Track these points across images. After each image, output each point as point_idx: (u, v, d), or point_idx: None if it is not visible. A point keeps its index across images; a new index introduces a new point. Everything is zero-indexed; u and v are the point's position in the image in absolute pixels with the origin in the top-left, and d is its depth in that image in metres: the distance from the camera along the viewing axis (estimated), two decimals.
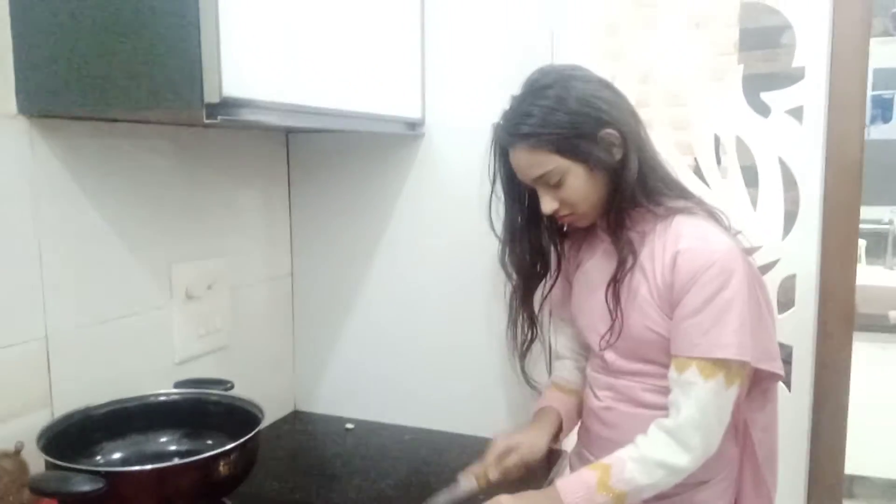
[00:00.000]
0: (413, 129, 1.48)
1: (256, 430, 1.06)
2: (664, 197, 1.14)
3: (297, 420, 1.67)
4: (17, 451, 1.08)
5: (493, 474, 1.19)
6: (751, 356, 1.06)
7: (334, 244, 1.63)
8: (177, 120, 1.28)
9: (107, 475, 0.91)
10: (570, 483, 1.08)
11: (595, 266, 1.23)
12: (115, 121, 1.21)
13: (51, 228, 1.13)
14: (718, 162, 1.64)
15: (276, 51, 1.07)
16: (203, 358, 1.42)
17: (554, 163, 1.10)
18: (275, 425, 1.60)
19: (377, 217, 1.58)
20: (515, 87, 1.40)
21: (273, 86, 1.07)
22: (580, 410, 1.32)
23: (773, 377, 1.16)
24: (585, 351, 1.34)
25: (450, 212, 1.50)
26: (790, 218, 1.56)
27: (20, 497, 1.08)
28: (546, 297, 1.34)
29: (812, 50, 1.48)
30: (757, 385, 1.18)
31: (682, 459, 1.06)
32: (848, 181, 1.53)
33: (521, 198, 1.23)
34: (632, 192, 1.11)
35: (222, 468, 1.00)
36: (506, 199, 1.24)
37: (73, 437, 1.07)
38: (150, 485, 0.96)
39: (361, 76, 1.29)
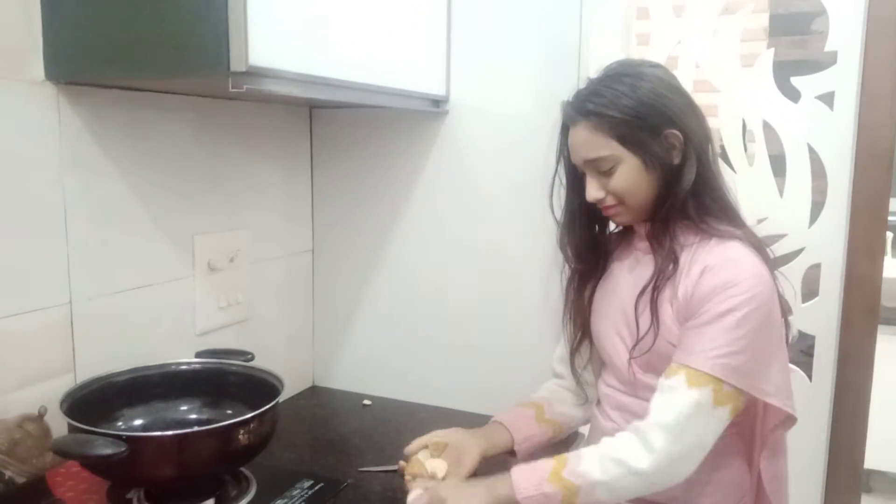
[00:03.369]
0: (437, 106, 1.48)
1: (276, 400, 1.06)
2: (713, 217, 1.09)
3: (314, 395, 1.68)
4: (41, 415, 1.10)
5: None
6: (742, 383, 1.01)
7: (355, 221, 1.63)
8: (202, 90, 1.28)
9: (128, 440, 0.92)
10: (524, 472, 1.03)
11: (623, 273, 1.19)
12: (141, 90, 1.21)
13: (76, 196, 1.14)
14: (745, 148, 1.61)
15: (303, 22, 1.07)
16: (223, 330, 1.43)
17: (611, 149, 1.07)
18: (292, 399, 1.61)
19: (398, 194, 1.57)
20: (541, 69, 1.41)
21: (298, 57, 1.06)
22: (547, 442, 1.24)
23: (787, 421, 1.11)
24: (591, 367, 1.28)
25: (471, 191, 1.50)
26: (817, 207, 1.53)
27: (43, 460, 1.10)
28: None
29: (845, 35, 1.45)
30: (771, 431, 1.12)
31: (643, 461, 0.99)
32: (878, 171, 1.50)
33: (581, 181, 1.17)
34: (683, 201, 1.08)
35: (241, 437, 1.01)
36: (567, 181, 1.20)
37: (95, 402, 1.09)
38: (170, 450, 0.97)
39: (387, 51, 1.28)
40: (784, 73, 1.54)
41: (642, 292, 1.10)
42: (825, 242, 1.51)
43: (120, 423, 1.13)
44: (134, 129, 1.22)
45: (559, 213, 1.22)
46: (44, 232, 1.10)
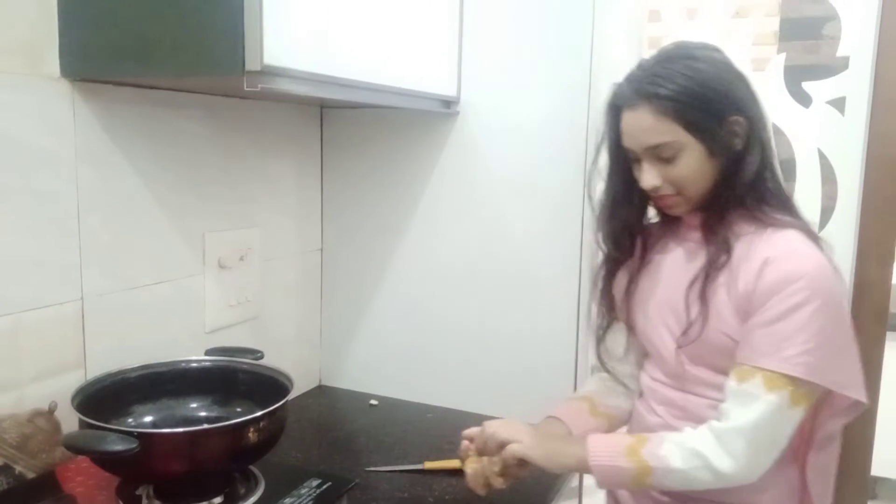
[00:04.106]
0: (448, 107, 1.48)
1: (286, 398, 1.06)
2: (769, 206, 1.06)
3: (322, 394, 1.68)
4: (51, 411, 1.11)
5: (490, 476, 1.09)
6: (822, 379, 0.98)
7: (364, 221, 1.63)
8: (216, 88, 1.29)
9: (139, 436, 0.92)
10: (601, 440, 1.03)
11: (669, 263, 1.15)
12: (156, 88, 1.22)
13: (90, 192, 1.14)
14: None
15: (317, 22, 1.07)
16: (233, 328, 1.44)
17: (675, 135, 1.02)
18: (300, 398, 1.61)
19: (408, 195, 1.57)
20: (552, 70, 1.41)
21: (312, 57, 1.07)
22: (603, 432, 1.21)
23: (854, 408, 1.06)
24: (634, 359, 1.25)
25: (481, 192, 1.50)
26: (827, 212, 1.53)
27: (53, 455, 1.11)
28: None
29: (858, 40, 1.45)
30: (829, 419, 1.08)
31: (724, 463, 0.98)
32: (888, 177, 1.50)
33: (626, 167, 1.12)
34: (743, 190, 1.04)
35: (251, 435, 1.01)
36: (611, 166, 1.15)
37: (106, 398, 1.09)
38: (181, 447, 0.97)
39: (398, 52, 1.28)
40: (795, 77, 1.54)
41: (693, 282, 1.07)
42: (834, 248, 1.51)
43: (130, 420, 1.14)
44: (147, 126, 1.23)
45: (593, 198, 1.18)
46: (57, 227, 1.11)
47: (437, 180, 1.54)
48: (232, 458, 1.03)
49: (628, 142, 1.07)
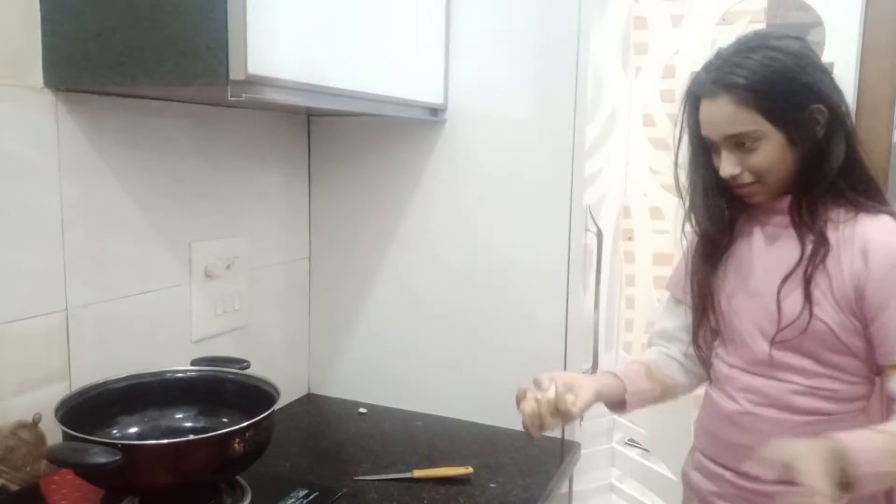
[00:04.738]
0: (435, 114, 1.48)
1: (272, 408, 1.06)
2: (858, 193, 1.06)
3: (310, 403, 1.67)
4: (35, 423, 1.10)
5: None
6: None
7: (352, 229, 1.63)
8: (201, 98, 1.28)
9: (123, 448, 0.91)
10: (859, 440, 0.94)
11: (753, 250, 1.14)
12: (140, 97, 1.21)
13: (74, 203, 1.14)
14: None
15: (301, 31, 1.07)
16: (219, 337, 1.43)
17: (756, 124, 1.02)
18: (288, 407, 1.61)
19: (396, 203, 1.57)
20: (539, 78, 1.41)
21: (297, 66, 1.07)
22: (656, 400, 1.25)
23: None
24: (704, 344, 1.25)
25: (469, 199, 1.50)
26: None
27: (37, 468, 1.10)
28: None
29: (842, 46, 1.46)
30: None
31: None
32: None
33: (708, 155, 1.13)
34: (832, 177, 1.04)
35: (237, 445, 1.00)
36: (692, 154, 1.16)
37: (90, 410, 1.08)
38: (166, 459, 0.97)
39: (385, 60, 1.28)
40: None
41: (789, 275, 1.06)
42: None
43: (115, 431, 1.13)
44: (132, 135, 1.22)
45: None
46: (41, 238, 1.10)
47: (425, 188, 1.54)
48: (218, 468, 1.03)
49: (707, 131, 1.08)
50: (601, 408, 1.83)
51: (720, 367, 1.19)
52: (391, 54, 1.30)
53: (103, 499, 1.06)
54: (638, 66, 1.75)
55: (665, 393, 1.25)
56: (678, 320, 1.27)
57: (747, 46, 1.05)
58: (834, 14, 1.46)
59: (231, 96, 0.96)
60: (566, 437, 1.45)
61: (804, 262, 1.05)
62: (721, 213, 1.16)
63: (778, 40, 1.05)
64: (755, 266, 1.13)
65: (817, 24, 1.51)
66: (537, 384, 1.11)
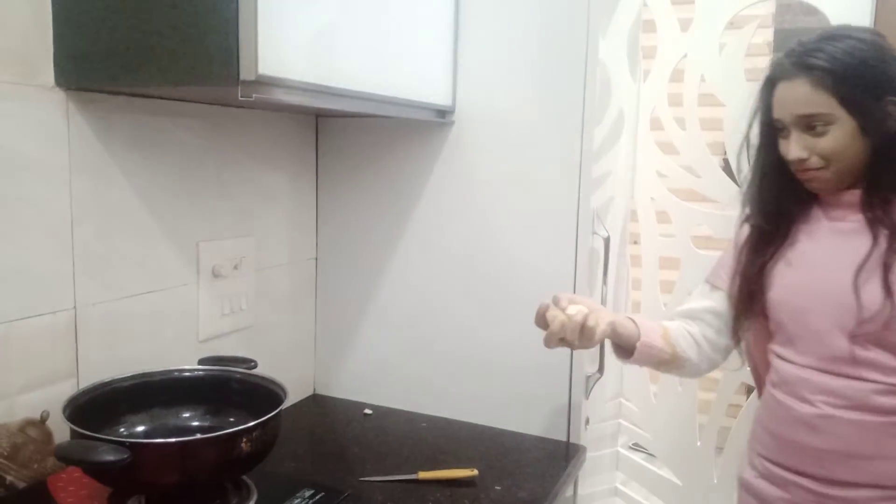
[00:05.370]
0: (443, 116, 1.48)
1: (279, 408, 1.06)
2: None
3: (315, 403, 1.67)
4: (43, 420, 1.10)
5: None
6: None
7: (359, 230, 1.63)
8: (211, 98, 1.29)
9: (131, 446, 0.92)
10: None
11: (823, 244, 1.13)
12: (150, 97, 1.22)
13: (83, 201, 1.14)
14: (749, 162, 1.62)
15: (311, 32, 1.07)
16: (226, 337, 1.43)
17: (829, 107, 1.04)
18: (294, 408, 1.61)
19: (403, 205, 1.58)
20: (547, 81, 1.41)
21: (307, 67, 1.07)
22: (662, 363, 1.26)
23: None
24: (721, 326, 1.26)
25: (476, 201, 1.50)
26: None
27: (45, 465, 1.10)
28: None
29: None
30: None
31: None
32: None
33: (776, 143, 1.14)
34: None
35: (244, 445, 1.00)
36: (761, 141, 1.18)
37: (97, 408, 1.08)
38: (173, 458, 0.97)
39: (394, 61, 1.29)
40: None
41: (863, 265, 1.06)
42: None
43: (122, 430, 1.13)
44: (142, 135, 1.23)
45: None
46: (50, 236, 1.10)
47: (432, 190, 1.54)
48: (224, 468, 1.03)
49: (779, 112, 1.10)
50: (606, 411, 1.83)
51: (786, 368, 1.15)
52: (400, 56, 1.30)
53: (110, 497, 1.07)
54: (646, 70, 1.75)
55: (674, 360, 1.25)
56: (709, 302, 1.28)
57: (831, 36, 1.08)
58: (843, 18, 1.45)
59: (241, 96, 0.97)
60: (571, 441, 1.45)
61: (880, 251, 1.05)
62: (780, 204, 1.17)
63: (862, 34, 1.08)
64: (823, 261, 1.12)
65: (825, 28, 1.51)
66: (555, 301, 1.15)
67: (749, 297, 1.21)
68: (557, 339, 1.13)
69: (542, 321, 1.16)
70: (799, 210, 1.18)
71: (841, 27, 1.12)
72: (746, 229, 1.24)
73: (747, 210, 1.24)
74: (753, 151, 1.21)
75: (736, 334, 1.26)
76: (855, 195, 1.10)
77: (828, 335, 1.10)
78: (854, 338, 1.07)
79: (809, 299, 1.12)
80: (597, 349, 1.65)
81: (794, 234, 1.18)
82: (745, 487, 1.24)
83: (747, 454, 1.26)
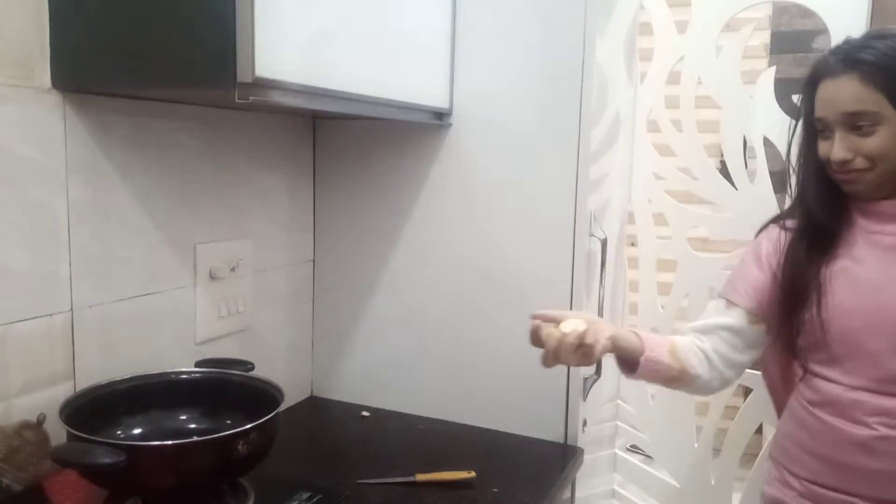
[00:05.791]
0: (440, 119, 1.48)
1: (276, 410, 1.06)
2: None
3: (313, 405, 1.67)
4: (40, 423, 1.10)
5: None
6: None
7: (357, 232, 1.63)
8: (208, 100, 1.29)
9: (127, 449, 0.92)
10: None
11: (873, 263, 1.08)
12: (147, 99, 1.22)
13: (80, 204, 1.14)
14: (746, 165, 1.62)
15: (308, 34, 1.07)
16: (223, 339, 1.43)
17: (877, 105, 1.00)
18: (291, 410, 1.60)
19: (401, 207, 1.58)
20: (544, 83, 1.41)
21: (304, 69, 1.07)
22: (670, 380, 1.19)
23: None
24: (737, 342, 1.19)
25: (473, 203, 1.50)
26: None
27: (41, 467, 1.10)
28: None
29: None
30: None
31: None
32: None
33: (816, 144, 1.11)
34: None
35: (241, 447, 1.00)
36: (807, 144, 1.14)
37: (94, 410, 1.08)
38: (169, 460, 0.97)
39: (391, 63, 1.29)
40: (785, 90, 1.55)
41: None
42: None
43: (119, 432, 1.13)
44: (139, 137, 1.22)
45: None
46: (47, 238, 1.10)
47: (430, 192, 1.55)
48: (221, 470, 1.03)
49: (824, 110, 1.06)
50: (603, 413, 1.83)
51: (832, 389, 1.11)
52: (397, 58, 1.31)
53: (106, 500, 1.06)
54: (643, 72, 1.75)
55: (682, 377, 1.18)
56: (725, 319, 1.20)
57: (877, 34, 1.05)
58: (839, 21, 1.45)
59: (238, 99, 0.97)
60: (569, 443, 1.45)
61: None
62: (833, 201, 1.12)
63: None
64: (873, 278, 1.08)
65: (822, 31, 1.51)
66: (545, 318, 1.10)
67: (796, 308, 1.13)
68: (554, 358, 1.07)
69: (536, 339, 1.10)
70: (840, 218, 1.13)
71: (886, 28, 1.07)
72: (778, 237, 1.18)
73: (788, 216, 1.18)
74: (797, 152, 1.17)
75: (792, 350, 1.17)
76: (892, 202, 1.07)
77: (882, 356, 1.06)
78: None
79: (862, 320, 1.07)
80: None
81: (837, 243, 1.12)
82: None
83: (774, 471, 1.22)
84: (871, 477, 1.07)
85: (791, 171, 1.20)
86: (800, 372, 1.19)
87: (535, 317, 1.12)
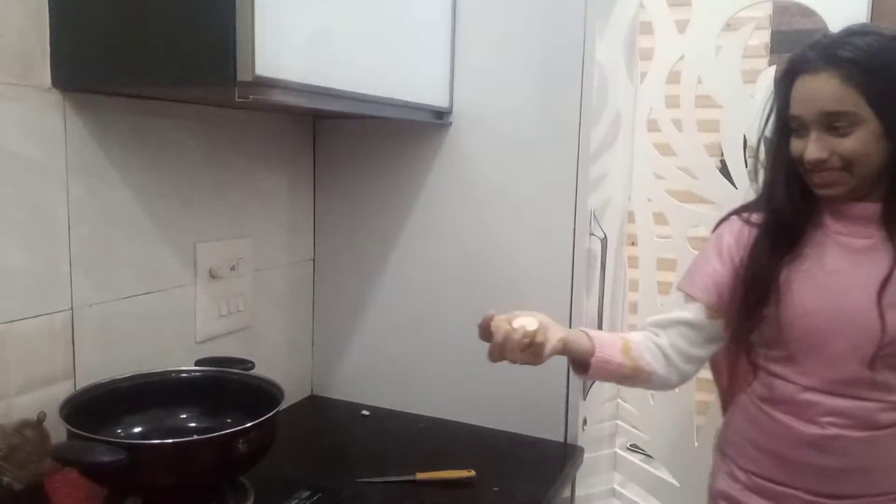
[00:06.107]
0: (440, 118, 1.48)
1: (276, 409, 1.06)
2: None
3: (313, 405, 1.67)
4: (40, 421, 1.10)
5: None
6: None
7: (357, 231, 1.63)
8: (208, 99, 1.29)
9: (128, 447, 0.92)
10: None
11: (836, 266, 1.06)
12: (147, 98, 1.22)
13: (80, 202, 1.14)
14: (746, 164, 1.62)
15: (309, 33, 1.07)
16: (223, 338, 1.43)
17: (856, 106, 0.97)
18: (291, 409, 1.61)
19: (400, 206, 1.58)
20: (545, 82, 1.41)
21: (304, 68, 1.07)
22: (624, 378, 1.16)
23: None
24: (697, 337, 1.16)
25: (473, 203, 1.50)
26: None
27: (41, 466, 1.09)
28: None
29: None
30: None
31: None
32: None
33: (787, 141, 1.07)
34: None
35: (241, 446, 1.00)
36: (777, 141, 1.10)
37: (94, 409, 1.08)
38: (169, 459, 0.97)
39: (391, 62, 1.29)
40: None
41: (885, 287, 1.01)
42: None
43: (119, 430, 1.13)
44: (138, 136, 1.22)
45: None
46: (47, 237, 1.10)
47: (430, 191, 1.55)
48: (221, 469, 1.03)
49: (801, 108, 1.02)
50: (603, 412, 1.83)
51: (786, 388, 1.11)
52: (397, 57, 1.31)
53: (106, 498, 1.07)
54: (643, 72, 1.75)
55: (636, 375, 1.15)
56: (684, 314, 1.17)
57: (858, 30, 1.02)
58: (839, 21, 1.45)
59: (238, 97, 0.97)
60: (569, 442, 1.45)
61: None
62: (795, 207, 1.09)
63: (887, 30, 1.01)
64: (839, 280, 1.06)
65: (823, 31, 1.51)
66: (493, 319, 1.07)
67: (756, 305, 1.11)
68: (500, 352, 1.05)
69: (486, 333, 1.07)
70: (808, 216, 1.11)
71: (866, 24, 1.05)
72: (740, 231, 1.15)
73: (752, 209, 1.16)
74: (767, 147, 1.14)
75: (744, 345, 1.16)
76: (868, 209, 1.04)
77: (842, 358, 1.05)
78: (871, 362, 1.03)
79: (825, 321, 1.06)
80: None
81: (803, 243, 1.10)
82: (725, 499, 1.21)
83: (721, 464, 1.22)
84: (818, 473, 1.09)
85: (759, 166, 1.16)
86: (750, 368, 1.18)
87: (488, 315, 1.09)
